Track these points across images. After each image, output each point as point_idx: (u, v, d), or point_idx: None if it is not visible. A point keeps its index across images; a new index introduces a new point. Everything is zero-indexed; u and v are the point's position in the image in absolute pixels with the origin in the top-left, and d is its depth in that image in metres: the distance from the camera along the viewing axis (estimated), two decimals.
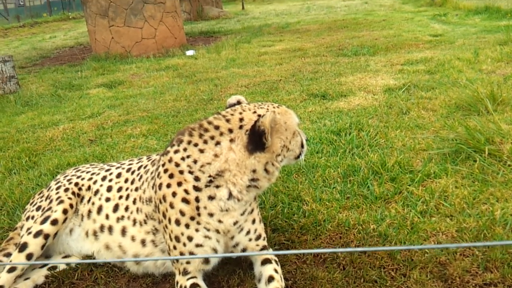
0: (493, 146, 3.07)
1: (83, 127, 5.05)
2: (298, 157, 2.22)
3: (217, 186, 2.01)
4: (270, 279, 2.05)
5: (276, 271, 2.09)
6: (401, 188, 2.80)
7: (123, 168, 2.61)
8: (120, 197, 2.43)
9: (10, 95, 7.03)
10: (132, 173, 2.50)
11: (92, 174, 2.66)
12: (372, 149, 3.40)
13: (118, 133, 4.71)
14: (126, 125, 4.98)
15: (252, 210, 2.16)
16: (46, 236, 2.37)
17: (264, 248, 2.21)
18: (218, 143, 1.99)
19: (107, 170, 2.65)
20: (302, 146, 2.21)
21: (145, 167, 2.45)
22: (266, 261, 2.14)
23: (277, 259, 2.18)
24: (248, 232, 2.15)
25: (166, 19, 10.73)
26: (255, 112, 2.06)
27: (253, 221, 2.17)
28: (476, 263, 2.09)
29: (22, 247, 2.32)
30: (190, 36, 13.12)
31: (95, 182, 2.58)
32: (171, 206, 2.04)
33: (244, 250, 2.17)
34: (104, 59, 9.72)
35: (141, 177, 2.41)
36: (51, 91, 7.21)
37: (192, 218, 2.02)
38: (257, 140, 1.96)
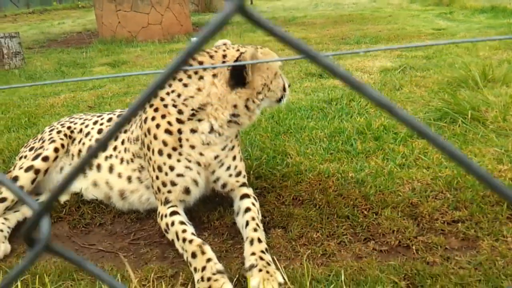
0: (479, 113, 3.14)
1: (84, 96, 5.16)
2: (280, 100, 2.30)
3: (199, 120, 2.10)
4: (247, 209, 2.14)
5: (253, 204, 2.18)
6: (383, 145, 2.88)
7: (114, 114, 2.71)
8: None
9: (15, 70, 7.16)
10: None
11: (85, 120, 2.76)
12: (361, 115, 3.48)
13: (117, 102, 4.80)
14: (125, 95, 5.08)
15: (233, 147, 2.25)
16: (37, 171, 2.47)
17: (243, 185, 2.29)
18: (201, 77, 2.08)
19: (99, 116, 2.75)
20: (284, 89, 2.30)
21: None
22: (244, 196, 2.23)
23: (255, 197, 2.27)
24: (228, 168, 2.24)
25: (173, 6, 10.83)
26: (238, 50, 2.15)
27: (234, 158, 2.25)
28: (446, 204, 2.17)
29: (13, 180, 2.42)
30: (197, 26, 13.21)
31: (86, 126, 2.68)
32: (155, 137, 2.13)
33: (224, 185, 2.26)
34: (110, 43, 9.83)
35: (130, 120, 2.50)
36: (55, 67, 7.33)
37: (174, 149, 2.11)
38: (238, 75, 2.05)
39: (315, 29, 10.82)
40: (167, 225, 2.10)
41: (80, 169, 0.49)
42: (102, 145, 0.47)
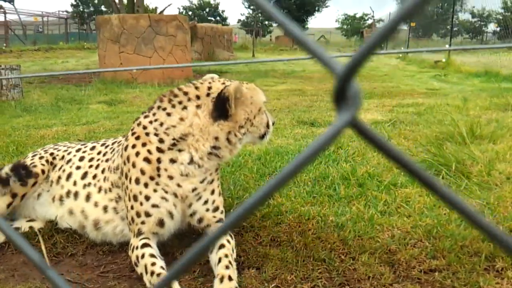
0: (464, 167, 3.15)
1: (76, 130, 5.17)
2: (263, 137, 2.30)
3: (180, 150, 2.09)
4: (221, 246, 2.08)
5: (228, 241, 2.13)
6: (367, 192, 2.86)
7: (98, 143, 2.71)
8: (90, 166, 2.50)
9: (12, 101, 7.21)
10: (106, 147, 2.59)
11: (69, 147, 2.75)
12: (347, 162, 3.48)
13: (108, 137, 4.80)
14: (117, 132, 5.09)
15: (212, 181, 2.22)
16: (14, 195, 2.43)
17: (220, 221, 2.25)
18: (185, 107, 2.09)
19: (82, 144, 2.74)
20: (267, 126, 2.30)
21: (119, 142, 2.54)
22: None
23: (231, 234, 2.22)
24: (206, 202, 2.20)
25: (175, 51, 11.09)
26: (223, 83, 2.17)
27: (212, 192, 2.22)
28: (424, 252, 2.12)
29: None
30: (198, 73, 13.48)
31: (69, 153, 2.66)
32: (133, 165, 2.11)
33: (200, 220, 2.21)
34: (110, 82, 9.99)
35: (113, 150, 2.50)
36: (52, 102, 7.40)
37: (152, 178, 2.09)
38: (221, 107, 2.06)
39: (312, 82, 11.05)
40: (137, 257, 2.04)
41: None
42: None
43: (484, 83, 10.90)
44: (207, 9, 52.12)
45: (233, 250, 2.11)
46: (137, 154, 2.11)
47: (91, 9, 41.45)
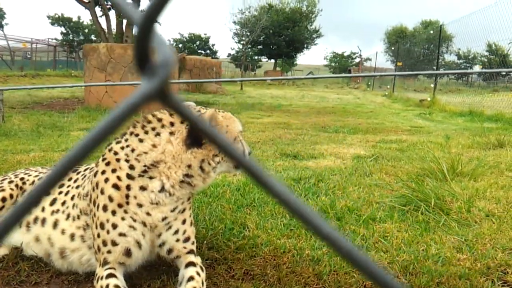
0: (443, 203, 3.12)
1: (54, 156, 5.07)
2: (238, 166, 2.24)
3: (151, 177, 2.03)
4: (190, 278, 2.00)
5: (198, 274, 2.05)
6: (345, 226, 2.81)
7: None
8: (60, 193, 2.42)
9: None
10: (78, 173, 2.52)
11: (40, 172, 2.67)
12: (326, 196, 3.43)
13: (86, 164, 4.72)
14: (95, 160, 5.00)
15: (184, 210, 2.15)
16: None
17: (191, 252, 2.17)
18: (158, 134, 2.04)
19: None
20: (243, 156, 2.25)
21: (91, 169, 2.47)
22: (190, 264, 2.10)
23: (202, 266, 2.14)
24: (176, 232, 2.13)
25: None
26: (199, 111, 2.14)
27: (184, 222, 2.15)
28: None
29: None
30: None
31: (40, 179, 2.58)
32: (102, 192, 2.04)
33: (170, 250, 2.13)
34: (94, 110, 9.93)
35: (84, 176, 2.42)
36: (32, 127, 7.30)
37: (120, 206, 2.01)
38: (195, 135, 2.02)
39: (298, 116, 11.10)
40: None
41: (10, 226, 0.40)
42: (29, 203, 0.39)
43: (468, 122, 11.06)
44: (198, 42, 52.78)
45: (202, 283, 2.03)
46: (106, 180, 2.04)
47: (81, 37, 41.72)
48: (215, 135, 0.34)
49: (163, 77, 0.29)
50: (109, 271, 1.99)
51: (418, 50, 26.43)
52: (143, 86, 0.29)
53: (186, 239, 2.16)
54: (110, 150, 2.12)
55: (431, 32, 25.43)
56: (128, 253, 2.03)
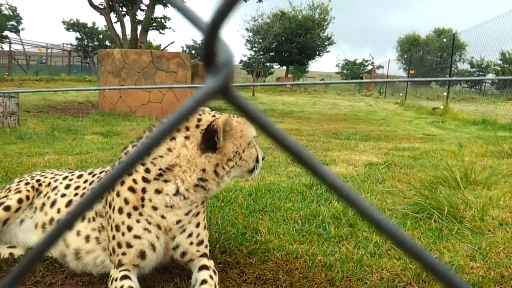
0: (456, 211, 3.10)
1: (68, 160, 5.14)
2: (252, 171, 2.26)
3: (166, 181, 2.05)
4: (203, 282, 2.02)
5: (211, 277, 2.06)
6: (357, 232, 2.80)
7: (86, 172, 2.67)
8: (76, 194, 2.46)
9: (7, 128, 7.21)
10: (93, 176, 2.55)
11: (56, 174, 2.71)
12: (338, 202, 3.43)
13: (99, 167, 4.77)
14: (110, 163, 5.05)
15: (198, 214, 2.17)
16: None
17: (204, 255, 2.18)
18: (173, 138, 2.07)
19: (70, 172, 2.70)
20: (257, 161, 2.27)
21: (106, 171, 2.50)
22: (203, 267, 2.12)
23: (215, 270, 2.15)
24: (190, 235, 2.15)
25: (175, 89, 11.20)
26: (214, 116, 2.16)
27: (197, 225, 2.17)
28: None
29: None
30: None
31: (55, 180, 2.62)
32: (117, 194, 2.07)
33: (183, 253, 2.15)
34: (108, 115, 10.03)
35: (100, 179, 2.46)
36: (47, 131, 7.39)
37: (135, 208, 2.04)
38: (210, 140, 2.04)
39: (309, 123, 11.11)
40: None
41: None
42: (74, 217, 0.42)
43: (481, 131, 10.98)
44: None
45: (215, 287, 2.04)
46: (122, 183, 2.07)
47: (96, 43, 42.18)
48: (272, 129, 0.36)
49: (226, 75, 0.32)
50: (123, 272, 2.02)
51: (431, 58, 26.31)
52: (208, 82, 0.32)
53: (200, 243, 2.18)
54: (126, 154, 2.15)
55: (444, 40, 25.30)
56: (142, 255, 2.05)
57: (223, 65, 0.32)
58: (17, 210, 2.47)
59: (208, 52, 0.32)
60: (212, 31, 0.31)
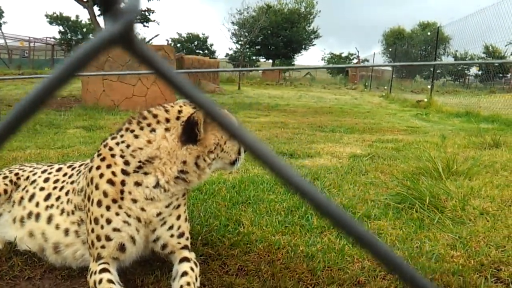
0: (438, 201, 3.13)
1: (49, 154, 5.07)
2: (234, 163, 2.25)
3: (146, 173, 2.03)
4: (184, 274, 2.00)
5: (192, 269, 2.05)
6: None
7: (65, 165, 2.63)
8: (55, 188, 2.42)
9: None
10: (73, 169, 2.52)
11: (35, 168, 2.67)
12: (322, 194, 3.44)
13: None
14: (88, 159, 5.00)
15: (179, 206, 2.15)
16: None
17: (185, 247, 2.17)
18: (153, 130, 2.04)
19: (49, 166, 2.66)
20: (239, 153, 2.26)
21: (86, 164, 2.47)
22: (184, 259, 2.10)
23: (196, 262, 2.14)
24: (171, 227, 2.13)
25: (159, 80, 11.09)
26: (195, 107, 2.14)
27: (178, 217, 2.15)
28: (394, 285, 2.06)
29: None
30: None
31: (34, 174, 2.58)
32: (96, 187, 2.04)
33: (164, 246, 2.13)
34: (91, 109, 9.91)
35: (79, 172, 2.42)
36: (29, 125, 7.27)
37: (115, 201, 2.01)
38: (190, 132, 2.02)
39: (295, 116, 11.11)
40: (95, 282, 1.94)
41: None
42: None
43: (464, 123, 11.09)
44: (196, 42, 52.70)
45: (196, 279, 2.03)
46: (101, 175, 2.04)
47: (79, 36, 41.59)
48: (199, 98, 0.34)
49: (128, 21, 0.29)
50: (102, 266, 1.99)
51: (416, 52, 26.50)
52: (106, 28, 0.29)
53: (181, 235, 2.16)
54: (105, 146, 2.12)
55: (429, 33, 25.47)
56: (122, 248, 2.03)
57: (126, 11, 0.30)
58: None
59: None
60: None
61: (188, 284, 1.94)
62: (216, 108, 0.34)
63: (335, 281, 2.10)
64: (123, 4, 0.29)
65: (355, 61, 56.00)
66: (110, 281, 1.92)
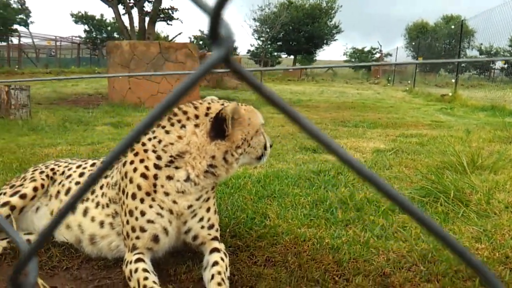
0: (463, 195, 3.14)
1: (80, 150, 5.23)
2: (260, 158, 2.32)
3: (177, 167, 2.12)
4: (215, 263, 2.09)
5: (222, 259, 2.13)
6: (364, 216, 2.86)
7: (99, 160, 2.75)
8: None
9: (20, 120, 7.33)
10: None
11: (70, 163, 2.79)
12: (346, 187, 3.48)
13: None
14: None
15: (208, 199, 2.24)
16: (12, 208, 2.46)
17: (215, 239, 2.25)
18: (183, 126, 2.13)
19: (83, 161, 2.78)
20: (265, 148, 2.33)
21: (119, 160, 2.58)
22: (214, 250, 2.19)
23: (226, 252, 2.22)
24: (201, 219, 2.22)
25: (184, 78, 11.25)
26: (222, 104, 2.22)
27: (208, 210, 2.24)
28: (419, 276, 2.11)
29: None
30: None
31: (69, 169, 2.70)
32: (130, 181, 2.14)
33: (195, 237, 2.22)
34: (117, 106, 10.13)
35: (112, 167, 2.53)
36: (59, 122, 7.50)
37: (148, 194, 2.11)
38: (219, 128, 2.10)
39: (318, 111, 11.12)
40: (130, 272, 2.04)
41: (66, 212, 0.50)
42: (85, 189, 0.48)
43: (490, 117, 10.92)
44: None
45: (226, 268, 2.11)
46: (135, 170, 2.14)
47: (104, 35, 42.25)
48: (276, 99, 0.41)
49: (228, 47, 0.38)
50: (137, 256, 2.09)
51: (439, 45, 26.09)
52: (214, 53, 0.39)
53: (211, 226, 2.25)
54: (138, 142, 2.22)
55: (453, 27, 25.05)
56: (155, 239, 2.13)
57: (225, 40, 0.39)
58: (33, 198, 2.55)
59: (213, 29, 0.38)
60: (216, 12, 0.38)
61: (219, 273, 2.02)
62: (301, 115, 0.42)
63: (361, 272, 2.16)
64: (222, 33, 0.38)
65: (377, 55, 55.32)
66: (145, 270, 2.02)
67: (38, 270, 0.46)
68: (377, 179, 0.43)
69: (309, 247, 2.45)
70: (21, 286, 0.48)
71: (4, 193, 2.63)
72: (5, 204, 2.44)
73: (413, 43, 41.16)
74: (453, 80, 18.32)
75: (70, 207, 0.47)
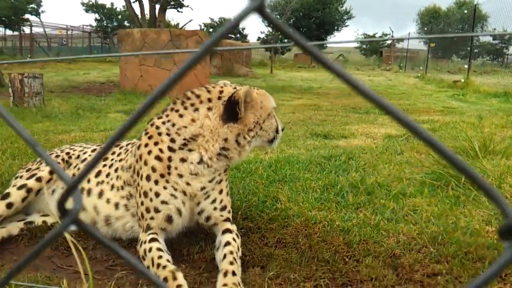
0: None
1: (93, 136, 5.31)
2: (272, 141, 2.35)
3: (190, 150, 2.16)
4: (227, 244, 2.13)
5: (234, 240, 2.17)
6: (375, 200, 2.88)
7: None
8: (104, 165, 2.58)
9: (33, 108, 7.42)
10: (120, 148, 2.67)
11: (84, 147, 2.85)
12: (357, 172, 3.50)
13: None
14: (133, 139, 5.20)
15: (221, 181, 2.28)
16: (29, 190, 2.52)
17: (227, 220, 2.30)
18: (196, 109, 2.16)
19: (98, 145, 2.83)
20: (277, 131, 2.36)
21: (132, 143, 2.62)
22: (226, 231, 2.23)
23: (238, 233, 2.26)
24: (214, 201, 2.26)
25: (194, 66, 11.28)
26: (235, 88, 2.24)
27: (220, 191, 2.28)
28: (428, 257, 2.14)
29: (4, 196, 2.48)
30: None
31: (84, 153, 2.76)
32: (145, 163, 2.18)
33: (208, 218, 2.27)
34: (129, 93, 10.20)
35: (127, 150, 2.58)
36: (72, 110, 7.59)
37: (162, 176, 2.16)
38: (231, 111, 2.13)
39: (328, 98, 11.09)
40: (144, 251, 2.10)
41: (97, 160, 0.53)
42: (107, 148, 0.51)
43: (502, 103, 10.81)
44: None
45: (238, 248, 2.15)
46: (149, 152, 2.18)
47: (115, 23, 42.25)
48: (305, 44, 0.44)
49: None
50: (152, 235, 2.15)
51: (452, 31, 25.74)
52: (249, 3, 0.41)
53: (223, 208, 2.29)
54: (152, 125, 2.26)
55: (465, 12, 24.70)
56: (169, 219, 2.18)
57: None
58: (49, 181, 2.61)
59: None
60: None
61: (231, 253, 2.06)
62: (352, 77, 0.44)
63: (371, 253, 2.19)
64: None
65: (389, 41, 54.73)
66: (159, 249, 2.07)
67: (81, 201, 0.51)
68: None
69: (320, 229, 2.48)
70: (66, 212, 0.52)
71: (21, 176, 2.70)
72: (22, 186, 2.51)
73: (425, 29, 40.64)
74: (466, 66, 18.11)
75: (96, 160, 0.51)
